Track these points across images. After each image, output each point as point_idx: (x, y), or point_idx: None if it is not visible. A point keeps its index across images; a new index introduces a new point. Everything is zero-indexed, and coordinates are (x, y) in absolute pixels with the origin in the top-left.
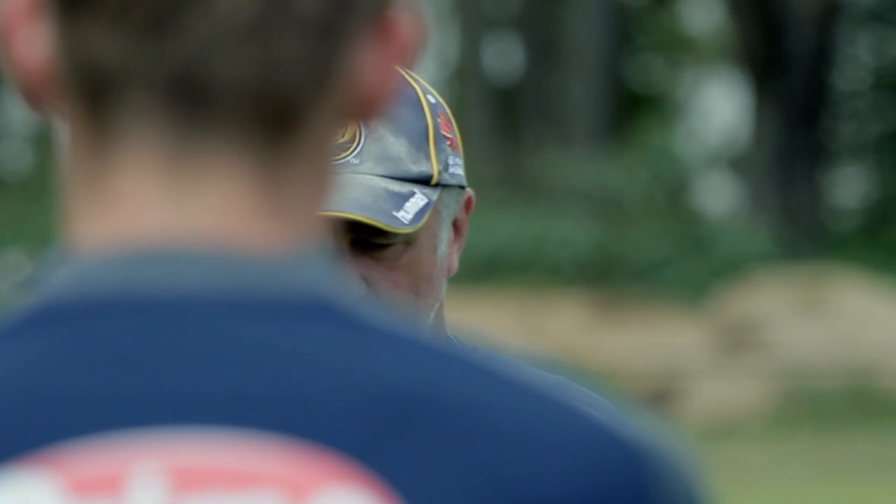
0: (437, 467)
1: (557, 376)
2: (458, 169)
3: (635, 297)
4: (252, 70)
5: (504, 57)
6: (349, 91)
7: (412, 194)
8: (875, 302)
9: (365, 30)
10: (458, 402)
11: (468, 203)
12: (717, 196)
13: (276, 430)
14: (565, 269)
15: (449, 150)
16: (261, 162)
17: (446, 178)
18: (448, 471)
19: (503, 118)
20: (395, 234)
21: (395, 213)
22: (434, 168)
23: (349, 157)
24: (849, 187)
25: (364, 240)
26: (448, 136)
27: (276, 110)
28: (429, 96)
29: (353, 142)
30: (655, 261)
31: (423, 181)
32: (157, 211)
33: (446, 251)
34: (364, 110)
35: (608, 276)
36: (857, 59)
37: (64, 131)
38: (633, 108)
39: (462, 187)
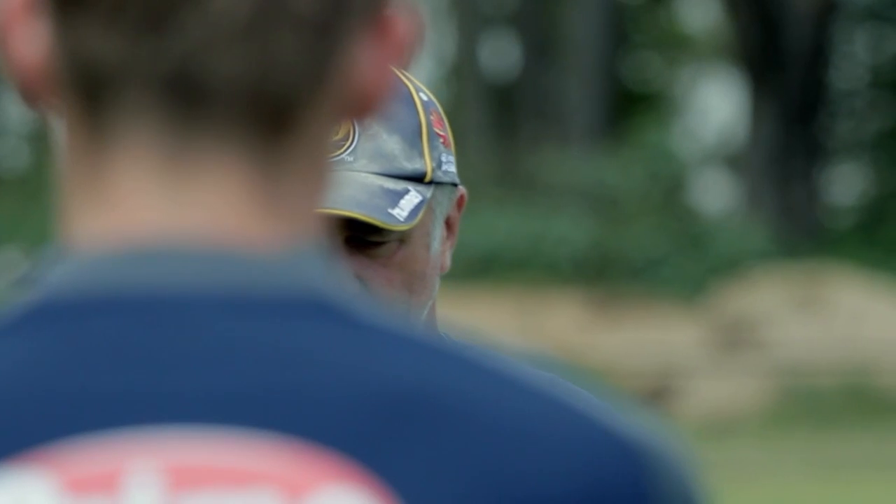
0: (435, 465)
1: (554, 374)
2: (450, 166)
3: (632, 295)
4: (249, 68)
5: (501, 54)
6: (346, 89)
7: (406, 192)
8: (872, 299)
9: (361, 28)
10: (456, 400)
11: (461, 201)
12: (714, 194)
13: (273, 429)
14: (562, 267)
15: (442, 147)
16: (258, 160)
17: (440, 176)
18: (445, 469)
19: (500, 116)
20: (389, 232)
21: (390, 211)
22: (428, 165)
23: (343, 155)
24: (846, 185)
25: (358, 237)
26: (441, 133)
27: (273, 108)
28: (421, 94)
29: (348, 139)
30: (652, 258)
31: (417, 179)
32: (155, 209)
33: (439, 249)
34: (361, 108)
35: (605, 273)
36: (854, 56)
37: (60, 129)
38: (629, 106)
39: (455, 185)
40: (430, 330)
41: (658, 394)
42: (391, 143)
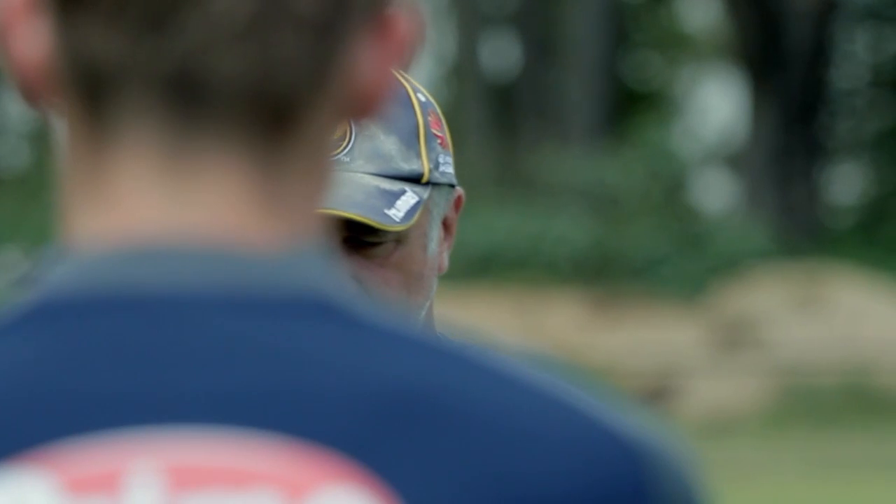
0: (435, 465)
1: (554, 374)
2: (448, 167)
3: (632, 295)
4: (249, 68)
5: (501, 54)
6: (347, 89)
7: (403, 192)
8: (872, 299)
9: (362, 27)
10: (456, 400)
11: (458, 202)
12: (715, 193)
13: (273, 429)
14: (562, 267)
15: (439, 148)
16: (258, 159)
17: (437, 177)
18: (446, 469)
19: (500, 115)
20: (386, 233)
21: (386, 211)
22: (425, 166)
23: (340, 155)
24: (846, 184)
25: (355, 238)
26: (438, 134)
27: (274, 108)
28: (419, 95)
29: (344, 140)
30: (652, 258)
31: (414, 179)
32: (155, 208)
33: (437, 250)
34: (362, 108)
35: (605, 273)
36: (855, 56)
37: (61, 128)
38: (630, 106)
39: (452, 186)
40: (429, 330)
41: (658, 393)
42: (388, 144)
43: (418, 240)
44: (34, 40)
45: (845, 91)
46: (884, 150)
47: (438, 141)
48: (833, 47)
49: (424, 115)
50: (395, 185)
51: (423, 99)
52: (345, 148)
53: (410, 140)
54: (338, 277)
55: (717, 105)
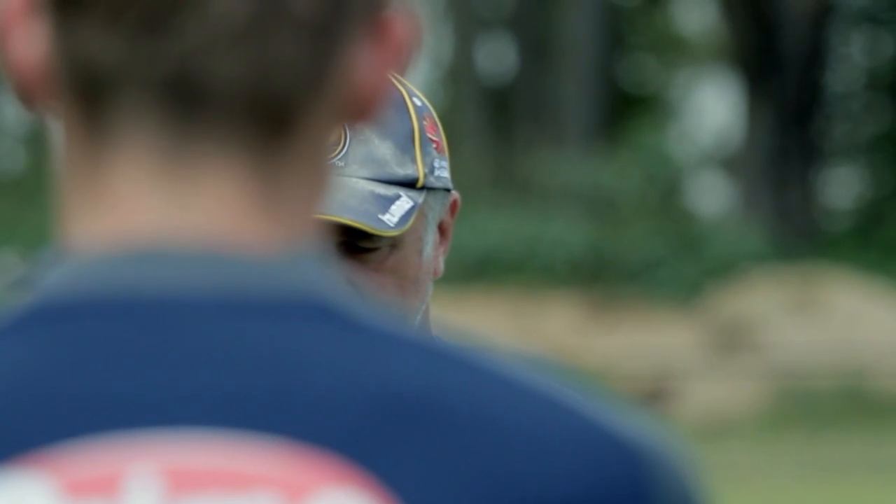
0: (435, 467)
1: (552, 376)
2: (443, 172)
3: (628, 298)
4: (247, 71)
5: (497, 57)
6: (344, 92)
7: (398, 197)
8: (867, 302)
9: (360, 30)
10: (455, 402)
11: (454, 206)
12: (710, 196)
13: (273, 431)
14: (558, 270)
15: (435, 153)
16: (256, 162)
17: (432, 181)
18: (445, 471)
19: (496, 118)
20: (380, 237)
21: (380, 216)
22: (420, 171)
23: (335, 160)
24: (842, 188)
25: (350, 242)
26: (434, 139)
27: (272, 111)
28: (414, 99)
29: (339, 144)
30: (648, 261)
31: (409, 184)
32: (153, 211)
33: (432, 254)
34: (359, 111)
35: (601, 276)
36: (850, 59)
37: (58, 131)
38: (625, 109)
39: (448, 190)
40: (426, 333)
41: (654, 396)
42: (383, 149)
43: (413, 244)
44: (32, 43)
45: (841, 94)
46: (880, 154)
47: (434, 145)
48: (829, 50)
49: (420, 119)
50: (390, 190)
51: (418, 103)
52: (339, 153)
53: (405, 145)
54: (335, 280)
55: (712, 108)
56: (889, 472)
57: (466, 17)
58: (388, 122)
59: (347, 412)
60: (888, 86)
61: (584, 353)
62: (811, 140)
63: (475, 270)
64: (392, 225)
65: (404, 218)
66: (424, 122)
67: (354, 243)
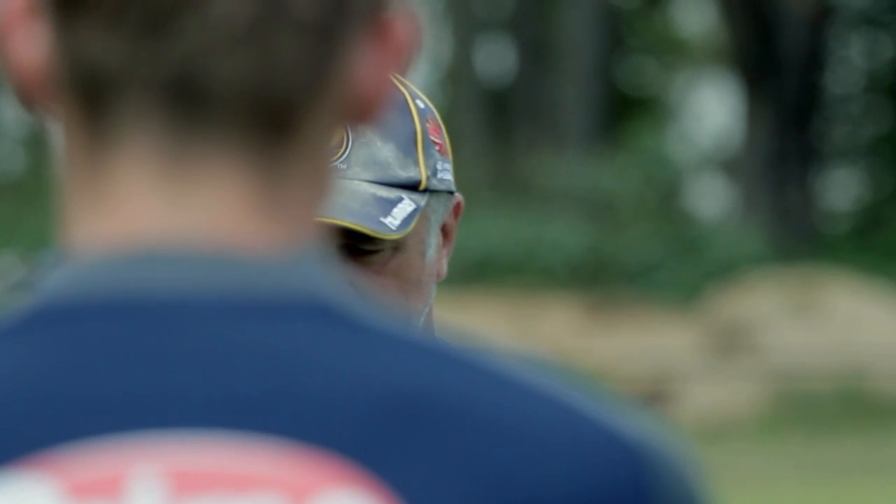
0: (438, 468)
1: (555, 377)
2: (446, 174)
3: (627, 300)
4: (249, 72)
5: (496, 59)
6: (346, 93)
7: (400, 200)
8: (867, 304)
9: (361, 32)
10: (459, 403)
11: (457, 208)
12: (710, 198)
13: (276, 433)
14: (557, 272)
15: (438, 155)
16: (258, 164)
17: (435, 184)
18: (449, 472)
19: (495, 120)
20: (383, 240)
21: (382, 219)
22: (422, 173)
23: (337, 163)
24: (841, 190)
25: (352, 245)
26: (437, 141)
27: (273, 112)
28: (418, 101)
29: (341, 147)
30: (647, 263)
31: (411, 187)
32: (155, 213)
33: (435, 256)
34: (361, 113)
35: (600, 278)
36: (850, 61)
37: (59, 133)
38: (624, 111)
39: (451, 192)
40: (429, 334)
41: (653, 398)
42: (385, 151)
43: (416, 247)
44: (33, 44)
45: (840, 96)
46: (879, 156)
47: (437, 148)
48: (828, 53)
49: (423, 121)
50: (392, 193)
51: (421, 105)
52: (341, 155)
53: (408, 147)
54: (337, 281)
55: (712, 110)
56: (888, 473)
57: (465, 18)
58: (390, 124)
59: (350, 413)
60: (887, 88)
61: (584, 354)
62: (810, 142)
63: (474, 272)
64: (394, 228)
65: (406, 221)
66: (427, 125)
67: (356, 246)
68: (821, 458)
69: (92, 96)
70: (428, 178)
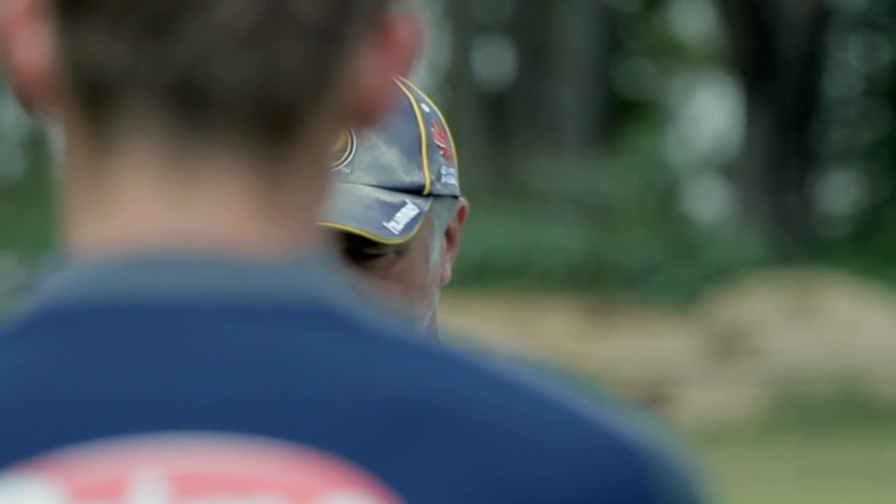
0: (440, 471)
1: (556, 380)
2: (451, 179)
3: (626, 303)
4: (252, 75)
5: (495, 62)
6: (349, 96)
7: (403, 204)
8: (865, 308)
9: (364, 35)
10: (461, 406)
11: (461, 213)
12: (708, 202)
13: (278, 436)
14: (556, 275)
15: (442, 159)
16: (260, 167)
17: (439, 188)
18: (451, 475)
19: (493, 123)
20: (385, 244)
21: (385, 224)
22: (426, 178)
23: (340, 167)
24: (839, 193)
25: (355, 249)
26: (442, 145)
27: (276, 115)
28: (423, 105)
29: (345, 151)
30: (646, 266)
31: (415, 191)
32: (157, 215)
33: (438, 260)
34: (363, 116)
35: (598, 281)
36: (848, 65)
37: (60, 135)
38: (623, 114)
39: (455, 197)
40: (432, 338)
41: (652, 401)
42: (389, 155)
43: (420, 251)
44: (35, 47)
45: (839, 100)
46: (877, 159)
47: (441, 152)
48: (826, 56)
49: (427, 125)
50: (396, 197)
51: (426, 109)
52: (345, 159)
53: (412, 151)
54: (340, 284)
55: (710, 113)
56: (887, 477)
57: (464, 22)
58: (395, 128)
59: (353, 416)
60: (886, 91)
61: (582, 358)
62: (809, 145)
63: (473, 275)
64: (396, 232)
65: (409, 225)
66: (432, 129)
67: (359, 250)
68: (819, 462)
69: (94, 99)
70: (432, 182)
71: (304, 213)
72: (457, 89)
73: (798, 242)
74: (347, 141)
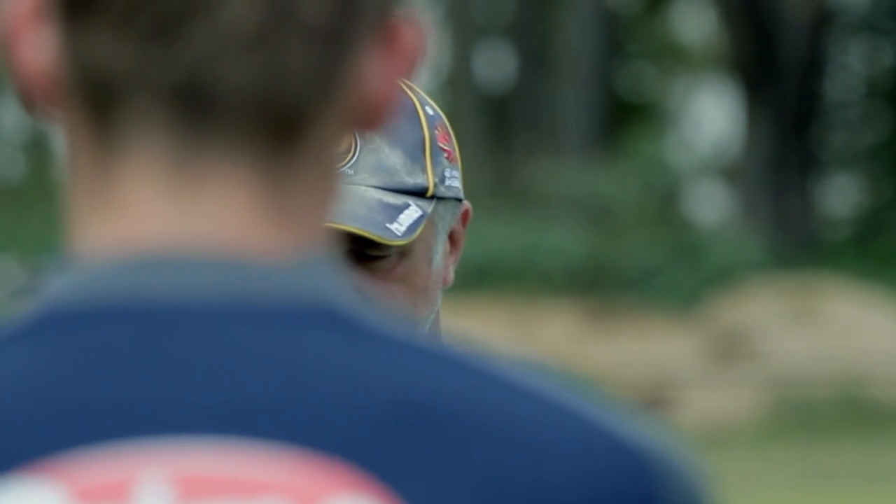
0: (444, 474)
1: (559, 382)
2: (455, 181)
3: (627, 306)
4: (257, 78)
5: (496, 65)
6: (354, 99)
7: (406, 206)
8: (866, 311)
9: (369, 37)
10: (464, 409)
11: (465, 215)
12: (709, 205)
13: (282, 439)
14: (556, 278)
15: (446, 162)
16: (265, 169)
17: (442, 191)
18: (455, 478)
19: (495, 126)
20: (388, 246)
21: (388, 225)
22: (430, 180)
23: (344, 168)
24: (841, 196)
25: (358, 251)
26: (445, 148)
27: (281, 118)
28: (427, 108)
29: (349, 153)
30: (647, 269)
31: (419, 193)
32: (162, 218)
33: (441, 263)
34: (368, 118)
35: (599, 284)
36: (849, 67)
37: (63, 137)
38: (624, 117)
39: (459, 200)
40: (436, 340)
41: (652, 404)
42: (393, 158)
43: (423, 253)
44: (40, 48)
45: (840, 103)
46: (878, 162)
47: (445, 155)
48: (827, 59)
49: (431, 128)
50: (399, 199)
51: (430, 112)
52: (349, 161)
53: (416, 154)
54: (345, 287)
55: (711, 116)
56: (887, 480)
57: (465, 24)
58: (398, 130)
59: (356, 419)
60: (887, 94)
61: (583, 360)
62: (810, 148)
63: (473, 278)
64: (399, 234)
65: (412, 227)
66: (436, 132)
67: (363, 252)
68: (820, 465)
69: (99, 101)
70: (435, 184)
71: (309, 215)
72: (458, 92)
73: (799, 245)
74: (351, 143)
